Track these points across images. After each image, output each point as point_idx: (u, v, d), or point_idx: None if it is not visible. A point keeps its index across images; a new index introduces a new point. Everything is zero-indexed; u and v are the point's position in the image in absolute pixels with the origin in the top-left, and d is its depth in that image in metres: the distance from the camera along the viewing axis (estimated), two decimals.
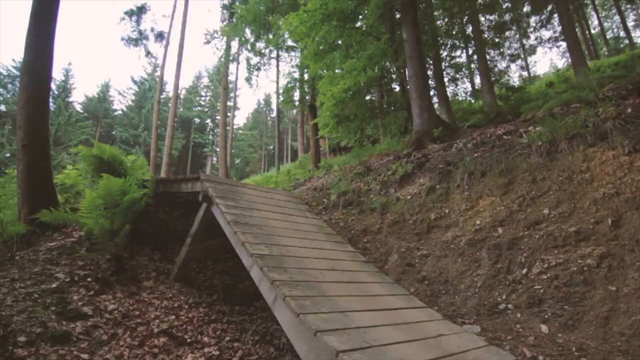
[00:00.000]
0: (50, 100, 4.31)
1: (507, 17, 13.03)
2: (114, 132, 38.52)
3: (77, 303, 2.98)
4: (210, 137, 43.86)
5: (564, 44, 17.39)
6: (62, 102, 30.98)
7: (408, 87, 8.82)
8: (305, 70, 14.39)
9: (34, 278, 3.09)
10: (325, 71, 10.83)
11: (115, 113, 39.18)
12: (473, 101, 14.09)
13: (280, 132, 20.28)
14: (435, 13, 11.64)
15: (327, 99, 9.99)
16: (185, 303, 3.59)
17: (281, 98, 14.51)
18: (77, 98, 43.67)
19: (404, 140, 11.75)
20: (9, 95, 32.07)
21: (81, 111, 36.85)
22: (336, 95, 9.83)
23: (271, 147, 49.38)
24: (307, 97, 13.96)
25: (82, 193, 5.12)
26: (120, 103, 41.16)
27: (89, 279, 3.34)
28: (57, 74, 34.13)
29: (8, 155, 30.05)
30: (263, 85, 77.40)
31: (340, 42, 10.23)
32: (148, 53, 20.45)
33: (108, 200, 3.79)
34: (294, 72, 15.71)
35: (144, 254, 4.17)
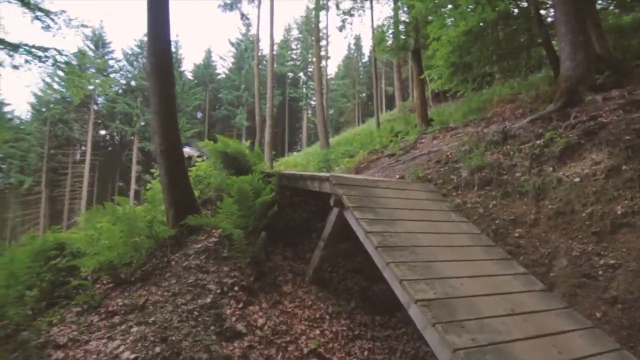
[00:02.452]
0: None
1: None
2: (220, 95, 41.62)
3: (231, 319, 3.02)
4: (304, 90, 44.11)
5: None
6: (177, 71, 34.22)
7: (553, 15, 6.84)
8: (402, 11, 12.54)
9: (191, 291, 3.23)
10: (431, 15, 9.18)
11: (219, 77, 41.90)
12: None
13: (375, 76, 18.80)
14: None
15: (442, 45, 8.52)
16: (325, 312, 3.46)
17: (377, 44, 13.08)
18: (187, 67, 47.64)
19: (528, 83, 9.57)
20: (136, 71, 36.78)
21: (191, 78, 40.38)
22: (453, 40, 8.29)
23: (363, 95, 47.64)
24: (411, 42, 12.27)
25: (211, 185, 5.33)
26: (222, 67, 43.75)
27: (235, 288, 3.40)
28: None
29: (143, 124, 35.26)
30: (356, 31, 73.14)
31: None
32: (242, 15, 20.62)
33: (243, 205, 3.74)
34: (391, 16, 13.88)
35: (278, 253, 4.15)
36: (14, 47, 8.27)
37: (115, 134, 38.55)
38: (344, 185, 3.35)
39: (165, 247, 3.99)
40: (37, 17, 8.85)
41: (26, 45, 8.42)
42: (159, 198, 5.00)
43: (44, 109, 34.09)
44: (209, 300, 3.15)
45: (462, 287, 2.39)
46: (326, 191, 3.61)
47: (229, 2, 19.37)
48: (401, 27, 12.39)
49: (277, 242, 4.29)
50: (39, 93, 31.86)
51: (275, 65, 40.88)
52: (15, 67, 8.75)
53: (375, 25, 16.86)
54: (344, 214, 3.35)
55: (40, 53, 8.56)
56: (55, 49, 8.71)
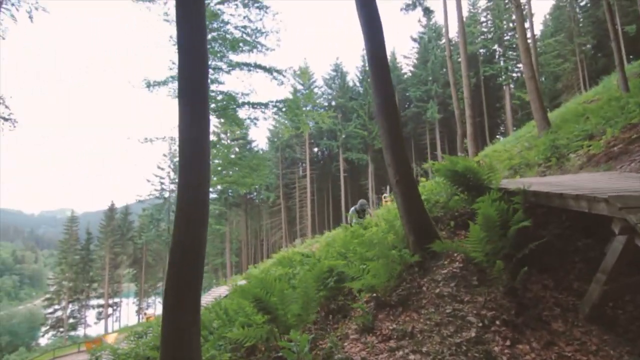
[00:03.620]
0: None
1: None
2: (407, 94, 41.97)
3: (502, 358, 2.94)
4: (502, 63, 38.61)
5: None
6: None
7: None
8: None
9: (452, 322, 3.36)
10: None
11: (405, 77, 42.34)
12: None
13: (610, 13, 13.72)
14: None
15: None
16: None
17: None
18: None
19: None
20: (334, 93, 42.11)
21: None
22: None
23: (588, 47, 37.19)
24: None
25: (439, 203, 5.40)
26: (407, 66, 44.07)
27: (497, 322, 3.29)
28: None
29: (344, 136, 39.64)
30: None
31: None
32: (426, 10, 20.08)
33: (491, 231, 3.61)
34: None
35: (535, 282, 3.76)
36: (263, 105, 11.13)
37: (324, 149, 45.25)
38: (635, 208, 2.68)
39: (413, 272, 4.31)
40: (274, 77, 11.58)
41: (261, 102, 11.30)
42: (388, 219, 5.52)
43: (275, 139, 43.85)
44: (473, 334, 3.18)
45: None
46: (602, 212, 3.00)
47: (410, 2, 19.32)
48: None
49: (531, 267, 3.87)
50: (272, 127, 41.29)
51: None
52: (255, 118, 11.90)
53: None
54: (636, 243, 2.69)
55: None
56: (272, 102, 11.26)
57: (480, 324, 3.28)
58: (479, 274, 3.90)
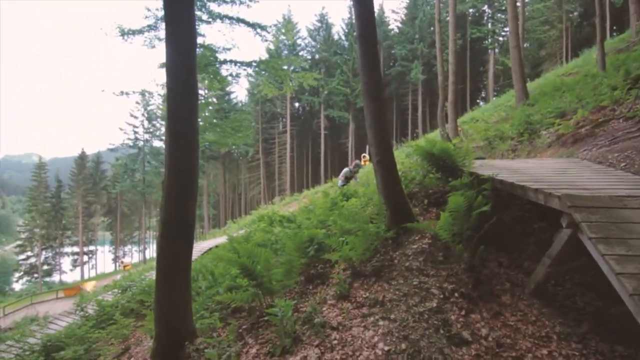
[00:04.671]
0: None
1: None
2: (393, 51, 41.09)
3: (457, 325, 3.47)
4: (490, 26, 38.11)
5: None
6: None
7: None
8: None
9: (418, 294, 3.84)
10: None
11: (392, 33, 41.11)
12: None
13: None
14: None
15: None
16: (552, 331, 3.45)
17: None
18: None
19: None
20: (318, 45, 40.53)
21: None
22: None
23: (575, 14, 37.11)
24: None
25: (414, 180, 5.77)
26: (395, 22, 42.66)
27: (456, 294, 3.81)
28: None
29: (326, 92, 39.08)
30: None
31: None
32: None
33: (458, 216, 4.01)
34: None
35: (492, 259, 4.27)
36: (246, 64, 10.81)
37: (305, 105, 44.54)
38: (581, 207, 3.10)
39: (387, 245, 4.75)
40: (257, 33, 11.14)
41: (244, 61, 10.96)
42: (366, 193, 5.87)
43: (255, 92, 42.56)
44: (434, 304, 3.69)
45: None
46: (553, 206, 3.42)
47: None
48: None
49: (489, 246, 4.38)
50: (252, 79, 39.88)
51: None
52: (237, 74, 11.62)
53: None
54: (579, 237, 3.14)
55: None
56: (255, 61, 10.93)
57: (442, 296, 3.78)
58: (445, 250, 4.38)
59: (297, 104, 46.30)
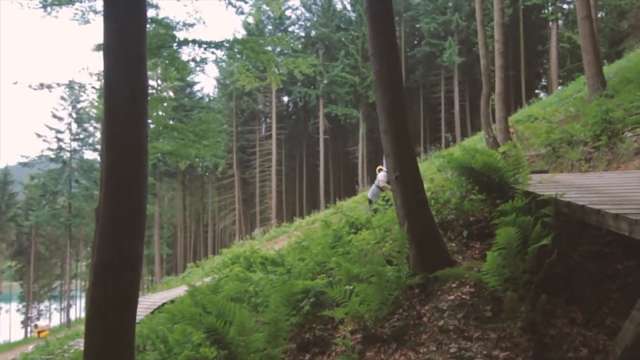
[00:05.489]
0: None
1: None
2: (418, 25, 41.98)
3: None
4: None
5: None
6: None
7: None
8: None
9: None
10: None
11: (416, 1, 42.12)
12: None
13: None
14: None
15: None
16: None
17: None
18: None
19: None
20: (315, 18, 41.53)
21: None
22: None
23: None
24: None
25: (450, 204, 5.85)
26: None
27: None
28: None
29: (326, 82, 39.75)
30: None
31: None
32: None
33: (509, 255, 4.05)
34: None
35: (560, 315, 4.27)
36: (214, 45, 11.08)
37: (298, 99, 45.06)
38: None
39: (412, 295, 4.77)
40: (230, 3, 11.46)
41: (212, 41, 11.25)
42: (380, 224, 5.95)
43: (228, 82, 43.14)
44: None
45: None
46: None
47: None
48: None
49: (555, 296, 4.40)
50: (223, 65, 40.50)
51: None
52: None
53: None
54: None
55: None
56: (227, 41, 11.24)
57: None
58: (493, 302, 4.38)
59: (286, 99, 46.89)
